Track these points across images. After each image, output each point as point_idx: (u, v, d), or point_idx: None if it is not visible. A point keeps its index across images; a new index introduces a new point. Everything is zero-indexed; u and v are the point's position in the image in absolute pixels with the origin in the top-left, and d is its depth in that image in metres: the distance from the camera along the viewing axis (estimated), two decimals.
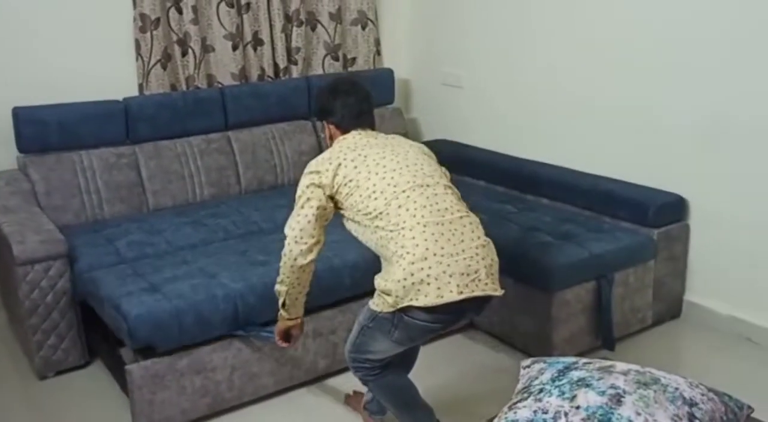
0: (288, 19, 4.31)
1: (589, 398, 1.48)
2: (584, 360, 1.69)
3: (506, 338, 3.27)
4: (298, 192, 2.35)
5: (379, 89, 4.48)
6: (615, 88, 3.59)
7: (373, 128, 2.48)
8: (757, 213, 3.15)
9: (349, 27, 4.55)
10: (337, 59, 4.53)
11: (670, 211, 3.35)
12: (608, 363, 1.64)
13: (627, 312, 3.25)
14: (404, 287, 2.11)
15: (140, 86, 3.94)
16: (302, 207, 2.33)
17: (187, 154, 3.85)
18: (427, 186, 2.24)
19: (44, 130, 3.52)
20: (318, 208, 2.31)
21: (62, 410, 2.88)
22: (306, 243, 2.32)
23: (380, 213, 2.20)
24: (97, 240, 3.27)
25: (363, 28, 4.58)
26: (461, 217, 2.22)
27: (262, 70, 4.29)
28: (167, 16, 3.94)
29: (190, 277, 2.86)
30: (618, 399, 1.47)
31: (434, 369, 3.12)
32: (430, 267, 2.10)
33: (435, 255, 2.12)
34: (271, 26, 4.26)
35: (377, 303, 2.23)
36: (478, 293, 2.14)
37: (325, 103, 2.49)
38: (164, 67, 3.97)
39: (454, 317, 2.26)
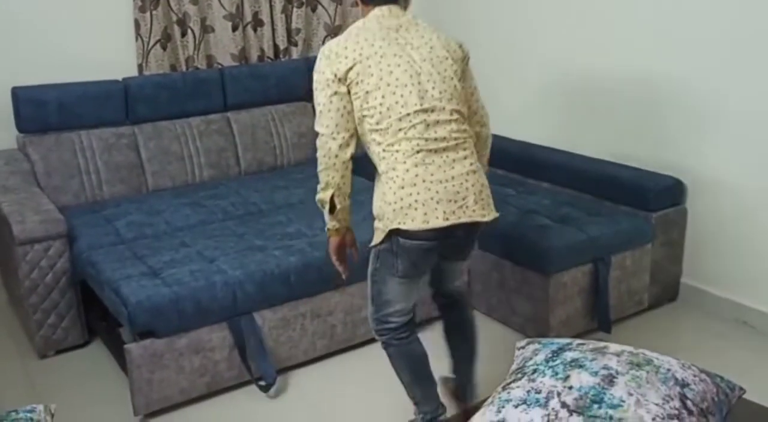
0: None
1: (582, 378, 1.49)
2: (578, 341, 1.70)
3: (503, 320, 3.29)
4: (317, 83, 2.21)
5: None
6: (615, 72, 3.58)
7: (397, 3, 2.31)
8: (754, 198, 3.15)
9: (349, 8, 4.52)
10: None
11: (669, 195, 3.35)
12: (602, 344, 1.65)
13: (624, 294, 3.26)
14: (393, 210, 2.15)
15: (140, 66, 3.93)
16: (330, 100, 2.18)
17: (186, 134, 3.85)
18: (432, 111, 2.19)
19: (44, 110, 3.52)
20: (344, 99, 2.19)
21: (62, 389, 2.91)
22: (343, 137, 2.20)
23: (381, 129, 2.18)
24: (97, 221, 3.28)
25: None
26: (456, 145, 2.21)
27: (262, 51, 4.28)
28: None
29: (189, 262, 2.88)
30: (610, 379, 1.48)
31: (432, 352, 3.14)
32: (418, 193, 2.13)
33: (424, 181, 2.14)
34: (271, 7, 4.24)
35: (374, 238, 2.25)
36: (464, 220, 2.17)
37: None
38: (164, 48, 3.96)
39: (442, 239, 2.22)
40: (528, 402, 1.48)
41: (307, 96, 4.25)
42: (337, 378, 2.96)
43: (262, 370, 2.82)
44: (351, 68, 2.16)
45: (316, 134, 2.23)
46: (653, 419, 1.38)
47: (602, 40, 3.62)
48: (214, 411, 2.77)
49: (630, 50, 3.49)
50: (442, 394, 2.58)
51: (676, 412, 1.41)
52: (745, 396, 1.63)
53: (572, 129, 3.85)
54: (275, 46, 4.32)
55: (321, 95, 2.20)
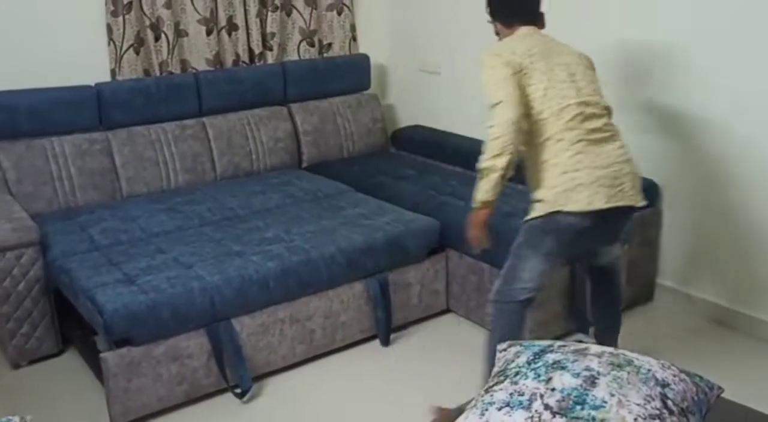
0: (263, 3, 4.27)
1: (564, 380, 1.50)
2: (559, 343, 1.71)
3: (482, 322, 3.30)
4: (491, 69, 2.40)
5: (354, 75, 4.48)
6: None
7: (537, 24, 2.61)
8: (727, 198, 3.19)
9: (324, 12, 4.52)
10: (312, 45, 4.50)
11: (644, 196, 3.38)
12: (583, 345, 1.66)
13: None
14: (556, 193, 2.37)
15: (113, 71, 3.88)
16: (506, 78, 2.37)
17: (161, 140, 3.81)
18: (587, 104, 2.43)
19: (14, 116, 3.46)
20: (516, 83, 2.38)
21: (37, 399, 2.85)
22: (519, 109, 2.35)
23: (543, 119, 2.39)
24: (70, 228, 3.24)
25: (339, 14, 4.55)
26: (611, 136, 2.45)
27: (237, 55, 4.25)
28: (139, 0, 3.88)
29: (166, 268, 2.84)
30: (592, 380, 1.49)
31: (411, 355, 3.14)
32: (582, 178, 2.35)
33: (586, 167, 2.36)
34: (245, 11, 4.22)
35: (529, 215, 2.45)
36: (623, 203, 2.40)
37: (497, 1, 2.65)
38: (137, 52, 3.92)
39: (598, 222, 2.41)
40: (511, 405, 1.48)
41: (283, 100, 4.27)
42: (316, 384, 2.95)
43: (238, 377, 2.80)
44: (520, 63, 2.41)
45: (491, 109, 2.36)
46: (635, 419, 1.39)
47: (581, 44, 3.64)
48: (193, 419, 2.75)
49: (604, 54, 3.52)
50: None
51: (658, 412, 1.42)
52: (723, 395, 1.65)
53: None
54: (250, 51, 4.30)
55: (498, 75, 2.38)
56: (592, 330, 3.02)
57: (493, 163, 2.35)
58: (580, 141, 2.38)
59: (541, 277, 2.52)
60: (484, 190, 2.42)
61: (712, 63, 3.12)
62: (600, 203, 2.36)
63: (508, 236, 3.10)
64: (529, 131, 2.42)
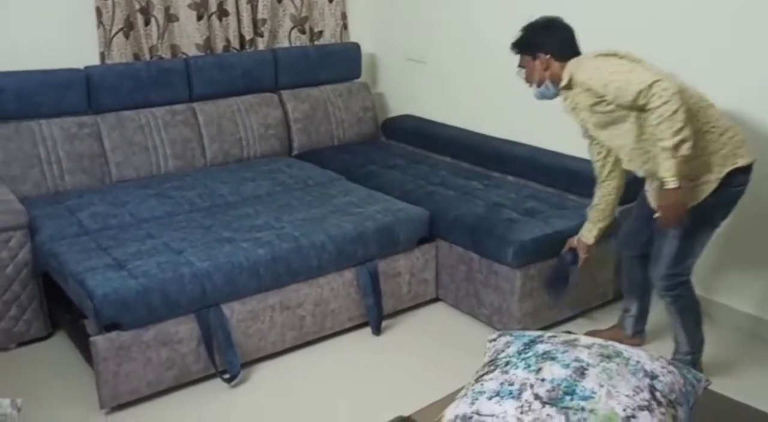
0: None
1: (553, 370, 1.52)
2: (549, 333, 1.73)
3: (471, 312, 3.33)
4: (625, 65, 2.46)
5: (345, 64, 4.48)
6: None
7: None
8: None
9: (315, 0, 4.50)
10: (303, 32, 4.49)
11: (631, 189, 3.40)
12: (573, 336, 1.69)
13: (589, 287, 3.32)
14: (723, 155, 2.48)
15: (102, 55, 3.85)
16: (636, 65, 2.46)
17: (150, 125, 3.80)
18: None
19: (2, 98, 3.44)
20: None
21: (26, 382, 2.85)
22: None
23: (681, 90, 2.40)
24: (59, 212, 3.22)
25: (330, 1, 4.53)
26: None
27: (228, 41, 4.23)
28: None
29: (156, 253, 2.84)
30: (582, 371, 1.51)
31: (400, 344, 3.17)
32: (736, 134, 2.50)
33: (732, 126, 2.51)
34: None
35: (698, 195, 2.51)
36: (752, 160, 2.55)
37: (543, 37, 2.67)
38: (126, 36, 3.89)
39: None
40: (501, 394, 1.50)
41: (274, 87, 4.25)
42: (306, 370, 2.96)
43: (227, 362, 2.81)
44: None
45: (646, 89, 2.36)
46: (624, 409, 1.42)
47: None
48: (182, 404, 2.75)
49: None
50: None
51: (646, 403, 1.44)
52: (710, 387, 1.68)
53: (538, 123, 3.88)
54: (241, 37, 4.27)
55: (625, 65, 2.46)
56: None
57: (686, 133, 2.35)
58: (712, 105, 2.55)
59: (704, 249, 2.70)
60: (679, 165, 2.39)
61: (706, 57, 3.14)
62: (748, 158, 2.54)
63: (498, 227, 3.14)
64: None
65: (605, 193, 2.85)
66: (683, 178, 2.42)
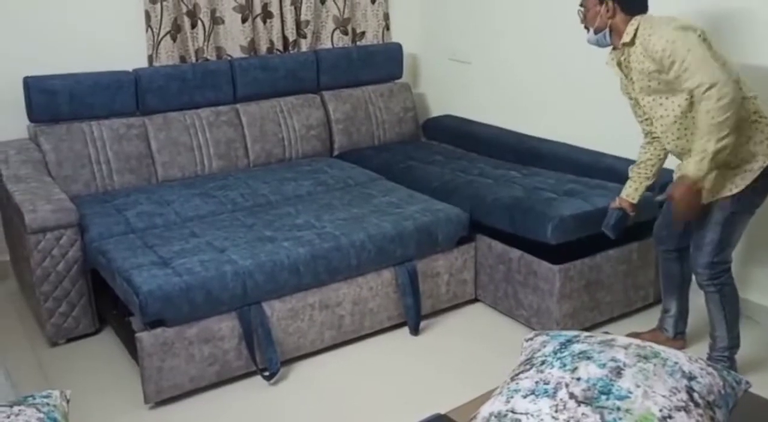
0: None
1: (589, 370, 1.51)
2: (586, 334, 1.72)
3: (509, 313, 3.31)
4: (687, 43, 2.37)
5: (387, 64, 4.50)
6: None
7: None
8: None
9: (358, 1, 4.53)
10: (346, 33, 4.52)
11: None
12: (609, 337, 1.67)
13: (629, 289, 3.28)
14: None
15: (150, 57, 3.95)
16: (705, 53, 2.38)
17: (195, 126, 3.88)
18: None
19: (55, 100, 3.55)
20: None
21: (74, 376, 2.94)
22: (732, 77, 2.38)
23: (735, 80, 2.39)
24: (107, 210, 3.31)
25: (372, 2, 4.56)
26: None
27: (271, 43, 4.29)
28: None
29: (199, 252, 2.90)
30: (618, 371, 1.50)
31: (438, 344, 3.17)
32: None
33: None
34: None
35: (739, 183, 2.49)
36: None
37: None
38: (174, 39, 3.98)
39: None
40: (536, 393, 1.50)
41: (316, 88, 4.30)
42: (343, 369, 2.99)
43: (267, 360, 2.85)
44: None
45: (702, 89, 2.33)
46: (660, 410, 1.40)
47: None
48: (224, 399, 2.81)
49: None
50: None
51: (683, 404, 1.43)
52: (750, 390, 1.65)
53: (578, 121, 3.85)
54: (284, 38, 4.33)
55: (697, 51, 2.35)
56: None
57: (729, 141, 2.38)
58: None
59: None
60: (710, 169, 2.41)
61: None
62: None
63: (537, 205, 3.12)
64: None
65: (658, 148, 2.74)
66: (723, 165, 2.45)
